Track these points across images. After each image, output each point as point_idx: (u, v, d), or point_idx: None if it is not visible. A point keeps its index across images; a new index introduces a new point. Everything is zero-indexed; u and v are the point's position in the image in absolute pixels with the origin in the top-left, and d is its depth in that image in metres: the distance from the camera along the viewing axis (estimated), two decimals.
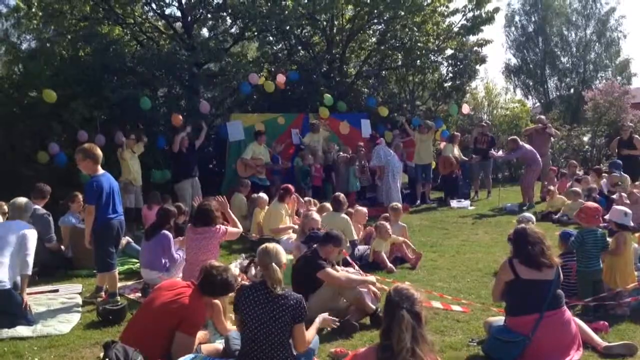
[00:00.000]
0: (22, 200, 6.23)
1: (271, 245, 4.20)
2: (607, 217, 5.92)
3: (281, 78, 13.51)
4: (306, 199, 10.20)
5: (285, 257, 4.21)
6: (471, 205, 13.23)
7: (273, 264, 4.00)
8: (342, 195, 8.58)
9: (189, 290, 4.29)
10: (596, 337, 4.61)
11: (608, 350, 4.45)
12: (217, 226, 6.50)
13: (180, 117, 11.94)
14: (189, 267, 6.51)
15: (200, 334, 4.40)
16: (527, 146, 13.08)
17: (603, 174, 12.61)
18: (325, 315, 4.58)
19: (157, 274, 6.75)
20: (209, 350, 4.24)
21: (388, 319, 3.17)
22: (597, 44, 33.52)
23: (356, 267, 6.68)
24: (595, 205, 6.06)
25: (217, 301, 4.58)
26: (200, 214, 6.59)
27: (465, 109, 16.39)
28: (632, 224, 5.89)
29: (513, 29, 35.02)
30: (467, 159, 14.23)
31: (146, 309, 4.34)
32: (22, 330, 5.29)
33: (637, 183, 11.23)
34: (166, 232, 7.07)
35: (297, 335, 3.93)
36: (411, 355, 3.02)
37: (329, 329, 4.80)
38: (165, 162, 12.81)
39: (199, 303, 4.26)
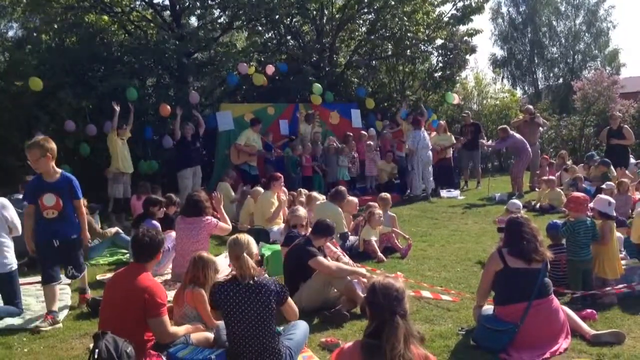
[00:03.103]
0: None
1: (241, 236, 4.18)
2: (591, 205, 5.96)
3: (270, 69, 13.44)
4: (302, 190, 10.14)
5: (256, 248, 4.19)
6: (461, 195, 13.28)
7: (244, 254, 3.97)
8: (342, 188, 8.59)
9: (136, 274, 4.16)
10: (584, 326, 4.64)
11: (596, 338, 4.48)
12: (208, 217, 6.51)
13: (169, 107, 11.88)
14: (179, 258, 6.50)
15: (190, 328, 4.36)
16: (517, 135, 13.12)
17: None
18: None
19: None
20: (199, 339, 4.22)
21: (378, 322, 3.05)
22: (586, 34, 33.65)
23: (346, 257, 6.68)
24: (583, 194, 6.10)
25: (200, 290, 4.55)
26: (190, 204, 6.61)
27: (456, 99, 16.42)
28: (614, 214, 5.94)
29: (500, 20, 35.05)
30: (455, 142, 14.19)
31: (110, 305, 4.21)
32: (11, 322, 5.26)
33: (626, 172, 11.31)
34: (153, 222, 7.03)
35: (287, 311, 4.09)
36: (402, 358, 2.99)
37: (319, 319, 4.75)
38: (154, 153, 12.75)
39: (148, 281, 4.13)
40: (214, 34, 15.90)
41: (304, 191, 9.89)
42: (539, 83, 35.27)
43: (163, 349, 4.06)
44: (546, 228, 6.30)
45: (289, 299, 4.06)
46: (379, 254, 7.58)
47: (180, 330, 4.23)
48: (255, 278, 3.91)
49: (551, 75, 34.81)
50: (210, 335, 4.32)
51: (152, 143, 12.81)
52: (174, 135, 11.66)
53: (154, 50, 13.74)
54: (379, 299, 3.06)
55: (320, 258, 5.47)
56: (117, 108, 10.79)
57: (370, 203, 8.64)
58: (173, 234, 6.99)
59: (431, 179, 12.96)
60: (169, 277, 6.76)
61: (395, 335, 2.96)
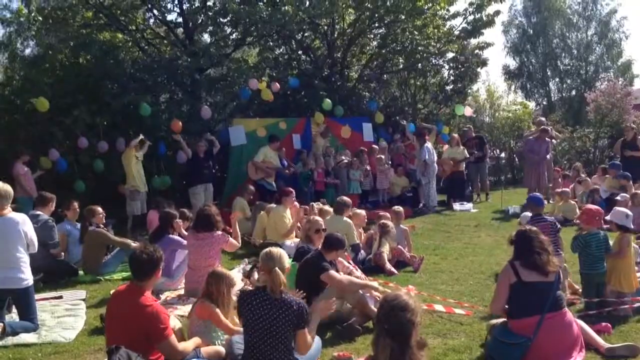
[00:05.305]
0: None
1: (275, 250, 4.19)
2: (608, 217, 5.93)
3: (275, 87, 13.51)
4: (314, 204, 10.13)
5: (288, 261, 4.21)
6: (473, 208, 13.23)
7: (276, 267, 3.99)
8: (345, 198, 8.60)
9: (136, 297, 4.07)
10: (599, 339, 4.61)
11: (611, 352, 4.44)
12: (219, 232, 6.51)
13: (180, 123, 11.95)
14: (191, 273, 6.52)
15: (199, 341, 4.37)
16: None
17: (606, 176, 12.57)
18: (321, 303, 4.56)
19: (162, 280, 6.73)
20: (209, 353, 4.22)
21: (374, 334, 3.13)
22: (598, 45, 33.48)
23: (359, 271, 6.67)
24: (597, 207, 6.08)
25: (210, 304, 4.55)
26: (202, 219, 6.58)
27: (468, 111, 16.41)
28: (632, 226, 5.90)
29: (514, 30, 34.96)
30: (468, 156, 14.14)
31: (115, 323, 4.17)
32: (26, 337, 5.31)
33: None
34: (170, 236, 7.07)
35: (299, 340, 3.95)
36: None
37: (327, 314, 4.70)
38: (167, 169, 12.86)
39: (148, 307, 4.03)
40: (226, 50, 16.06)
41: (316, 205, 9.90)
42: (552, 95, 35.10)
43: None
44: (527, 199, 6.86)
45: (307, 330, 3.98)
46: (387, 265, 7.55)
47: (190, 345, 4.23)
48: (283, 295, 3.94)
49: (564, 86, 34.62)
50: (221, 349, 4.33)
51: (166, 158, 12.92)
52: (184, 153, 11.83)
53: (167, 67, 13.91)
54: (379, 311, 3.16)
55: (332, 272, 5.47)
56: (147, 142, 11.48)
57: (381, 214, 8.63)
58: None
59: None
60: (182, 292, 6.78)
61: (380, 351, 3.00)
